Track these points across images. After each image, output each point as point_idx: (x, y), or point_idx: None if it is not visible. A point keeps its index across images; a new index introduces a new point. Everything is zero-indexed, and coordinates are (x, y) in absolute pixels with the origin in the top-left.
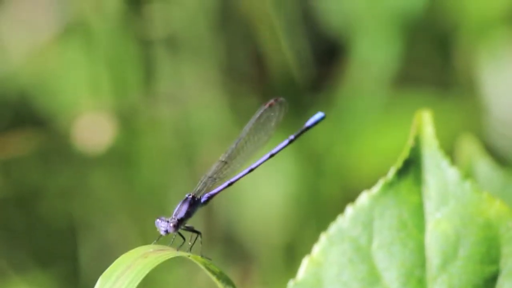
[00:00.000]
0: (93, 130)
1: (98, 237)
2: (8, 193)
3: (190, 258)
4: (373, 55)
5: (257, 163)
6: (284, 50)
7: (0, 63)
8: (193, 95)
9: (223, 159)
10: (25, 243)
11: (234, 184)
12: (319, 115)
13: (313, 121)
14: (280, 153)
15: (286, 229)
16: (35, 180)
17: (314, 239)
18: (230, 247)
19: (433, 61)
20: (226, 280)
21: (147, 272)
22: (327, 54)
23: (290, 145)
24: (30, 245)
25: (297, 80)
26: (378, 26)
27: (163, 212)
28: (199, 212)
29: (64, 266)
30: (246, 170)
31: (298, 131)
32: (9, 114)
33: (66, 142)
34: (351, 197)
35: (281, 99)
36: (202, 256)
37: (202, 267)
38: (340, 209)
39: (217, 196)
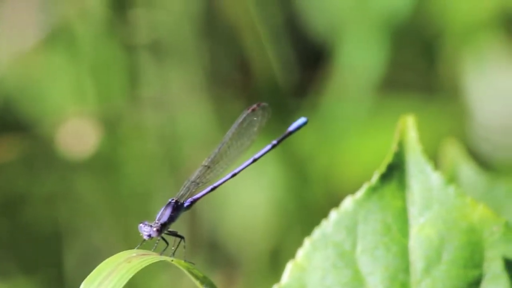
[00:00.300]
0: (77, 135)
1: (83, 243)
2: None
3: (173, 262)
4: (358, 60)
5: (240, 167)
6: (269, 55)
7: None
8: (178, 101)
9: (206, 164)
10: (10, 249)
11: (218, 189)
12: (301, 120)
13: (296, 126)
14: (264, 158)
15: (271, 234)
16: (20, 186)
17: (299, 244)
18: (214, 253)
19: (418, 66)
20: (209, 285)
21: (130, 276)
22: (312, 59)
23: (275, 150)
24: (14, 251)
25: (281, 85)
26: (363, 31)
27: (147, 218)
28: (183, 218)
29: (49, 272)
30: (229, 175)
31: (281, 136)
32: None
33: (50, 148)
34: (336, 202)
35: (264, 104)
36: (185, 261)
37: (186, 271)
38: (325, 214)
39: (201, 201)
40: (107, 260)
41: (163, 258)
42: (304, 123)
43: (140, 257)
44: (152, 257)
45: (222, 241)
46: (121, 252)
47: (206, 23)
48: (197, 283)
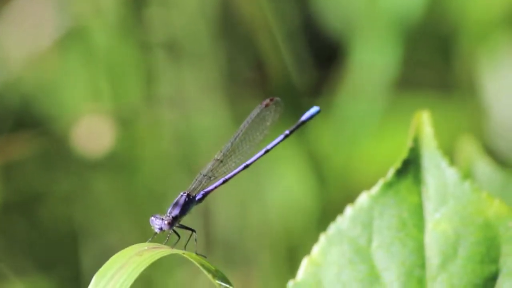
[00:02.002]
0: (93, 134)
1: (99, 242)
2: (9, 197)
3: (184, 255)
4: (372, 59)
5: (253, 159)
6: (284, 54)
7: (1, 69)
8: (194, 100)
9: (218, 158)
10: (26, 248)
11: (235, 187)
12: (314, 109)
13: (309, 115)
14: (282, 157)
15: (289, 232)
16: (36, 184)
17: (316, 241)
18: (231, 251)
19: (434, 64)
20: (222, 278)
21: (142, 269)
22: (327, 58)
23: (292, 150)
24: (31, 250)
25: (297, 84)
26: (377, 29)
27: (159, 214)
28: (199, 215)
29: (65, 271)
30: (241, 167)
31: (294, 126)
32: (10, 119)
33: (66, 147)
34: (352, 200)
35: (277, 98)
36: (196, 254)
37: (197, 264)
38: (341, 212)
39: (218, 199)
40: (118, 253)
41: (175, 251)
42: (317, 112)
43: (152, 250)
44: (163, 250)
45: (239, 240)
46: (132, 246)
47: (222, 21)
48: (209, 276)
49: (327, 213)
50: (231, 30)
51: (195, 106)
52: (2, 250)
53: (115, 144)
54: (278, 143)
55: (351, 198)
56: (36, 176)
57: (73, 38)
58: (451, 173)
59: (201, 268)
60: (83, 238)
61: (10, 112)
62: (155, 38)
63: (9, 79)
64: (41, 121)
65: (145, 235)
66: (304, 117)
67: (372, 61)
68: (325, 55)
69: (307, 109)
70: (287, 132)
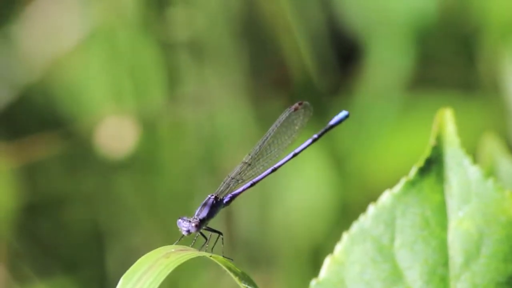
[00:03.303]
0: (116, 135)
1: (123, 243)
2: (33, 199)
3: (211, 258)
4: (391, 58)
5: (280, 162)
6: (306, 54)
7: (25, 69)
8: (216, 99)
9: (247, 161)
10: (51, 249)
11: (258, 188)
12: (343, 113)
13: (337, 120)
14: (303, 157)
15: (311, 232)
16: (60, 185)
17: (339, 240)
18: (254, 251)
19: (457, 63)
20: (248, 281)
21: (168, 272)
22: (345, 58)
23: (313, 150)
24: (55, 251)
25: (317, 83)
26: (395, 28)
27: (186, 216)
28: (221, 215)
29: (90, 272)
30: (269, 170)
31: (322, 130)
32: (34, 120)
33: (89, 147)
34: (373, 199)
35: (306, 102)
36: (223, 257)
37: (224, 267)
38: (363, 211)
39: (241, 199)
40: (145, 255)
41: (201, 254)
42: (346, 117)
43: (178, 253)
44: (190, 253)
45: (262, 240)
46: (159, 248)
47: (245, 21)
48: (236, 279)
49: (347, 212)
50: (253, 29)
51: (218, 106)
52: (27, 251)
53: (138, 144)
54: (306, 147)
55: (370, 197)
56: (60, 177)
57: (95, 38)
58: (474, 171)
59: (228, 271)
60: (107, 239)
61: (34, 113)
62: (177, 37)
63: (33, 80)
64: (65, 122)
65: (169, 235)
66: (332, 121)
67: (390, 60)
68: (344, 55)
69: (328, 108)
70: (315, 136)
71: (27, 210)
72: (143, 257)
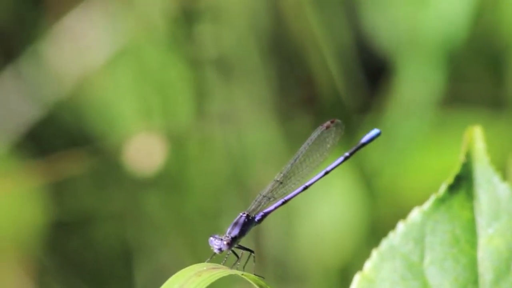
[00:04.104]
0: (144, 152)
1: (151, 260)
2: (62, 215)
3: (243, 276)
4: (421, 75)
5: (312, 180)
6: (334, 71)
7: (54, 87)
8: (244, 117)
9: (279, 179)
10: (80, 266)
11: (287, 205)
12: (374, 131)
13: (369, 138)
14: (332, 174)
15: (340, 250)
16: (88, 202)
17: (367, 258)
18: (283, 269)
19: (486, 81)
20: None
21: None
22: (374, 75)
23: (342, 166)
24: (84, 269)
25: (346, 100)
26: (424, 46)
27: (218, 234)
28: (251, 233)
29: None
30: (301, 188)
31: (353, 148)
32: (63, 137)
33: (118, 165)
34: (402, 216)
35: (338, 120)
36: (255, 275)
37: (255, 285)
38: (392, 229)
39: (270, 217)
40: (177, 273)
41: (233, 272)
42: (377, 135)
43: (210, 271)
44: (222, 271)
45: (291, 257)
46: (191, 266)
47: (272, 38)
48: None
49: (376, 229)
50: (281, 47)
51: (245, 123)
52: (56, 269)
53: (166, 161)
54: (338, 165)
55: (400, 214)
56: (88, 194)
57: (124, 55)
58: (503, 189)
59: None
60: (135, 256)
61: (63, 130)
62: (206, 55)
63: (62, 98)
64: (94, 139)
65: (197, 252)
66: (364, 139)
67: (420, 78)
68: (372, 72)
69: (357, 126)
70: (346, 154)
71: (56, 227)
72: (175, 275)
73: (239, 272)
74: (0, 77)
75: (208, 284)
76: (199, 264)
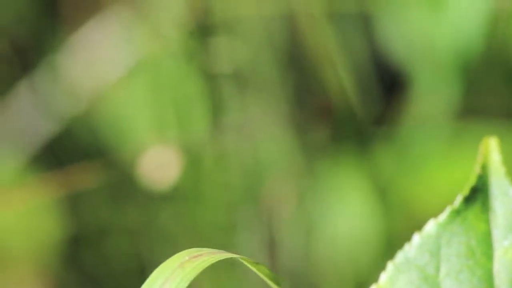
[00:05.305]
0: (159, 165)
1: None
2: (75, 230)
3: (242, 260)
4: (437, 87)
5: None
6: (348, 84)
7: (69, 100)
8: (260, 129)
9: None
10: (94, 280)
11: (299, 217)
12: None
13: None
14: (345, 185)
15: (355, 262)
16: (103, 216)
17: (382, 270)
18: (298, 281)
19: (502, 92)
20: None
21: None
22: (389, 88)
23: (356, 179)
24: (99, 282)
25: (362, 113)
26: (441, 58)
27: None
28: (264, 244)
29: None
30: None
31: None
32: (78, 150)
33: (132, 178)
34: (418, 229)
35: None
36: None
37: (253, 268)
38: (407, 241)
39: (285, 229)
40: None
41: (231, 255)
42: None
43: (194, 260)
44: (220, 255)
45: (306, 269)
46: (174, 255)
47: (287, 51)
48: (267, 280)
49: (392, 242)
50: (297, 59)
51: (261, 136)
52: (71, 282)
53: (181, 175)
54: None
55: (415, 226)
56: (103, 208)
57: (139, 68)
58: None
59: (257, 272)
60: (150, 271)
61: (78, 143)
62: (221, 67)
63: (77, 111)
64: (107, 152)
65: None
66: None
67: (436, 90)
68: (387, 85)
69: (373, 138)
70: None
71: (70, 241)
72: (166, 261)
73: (238, 256)
74: (16, 90)
75: (205, 267)
76: (182, 252)
